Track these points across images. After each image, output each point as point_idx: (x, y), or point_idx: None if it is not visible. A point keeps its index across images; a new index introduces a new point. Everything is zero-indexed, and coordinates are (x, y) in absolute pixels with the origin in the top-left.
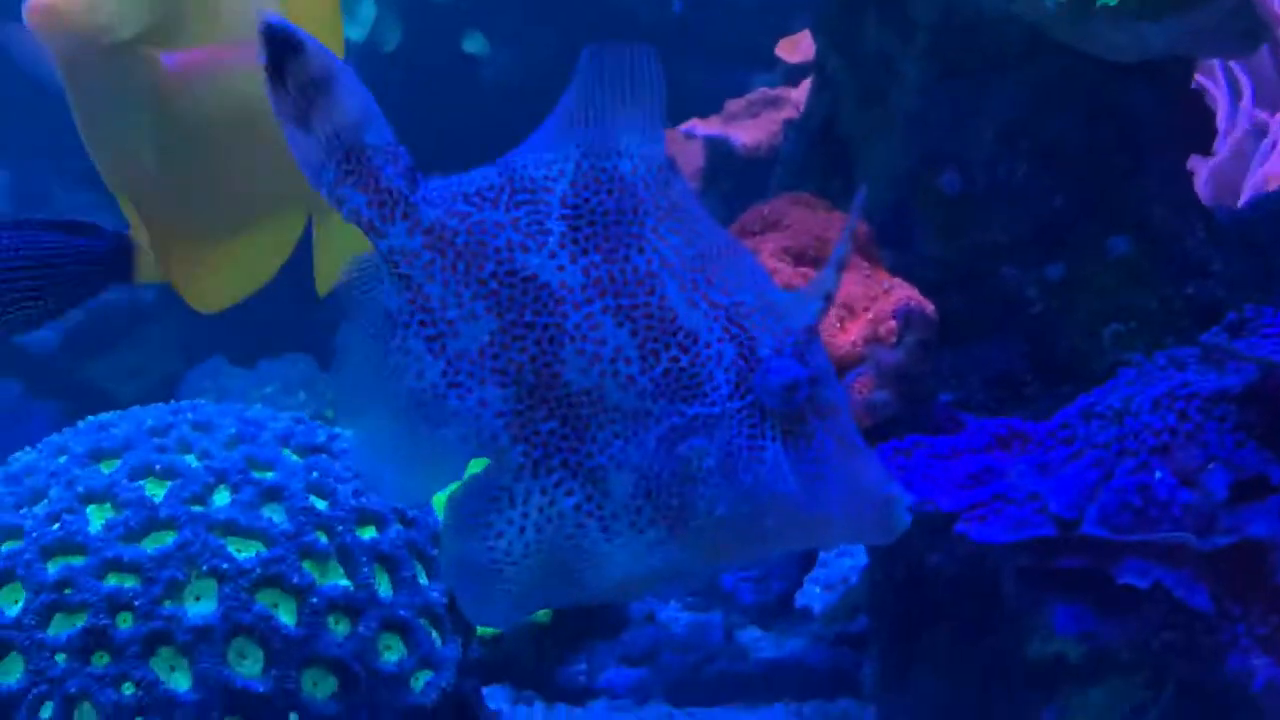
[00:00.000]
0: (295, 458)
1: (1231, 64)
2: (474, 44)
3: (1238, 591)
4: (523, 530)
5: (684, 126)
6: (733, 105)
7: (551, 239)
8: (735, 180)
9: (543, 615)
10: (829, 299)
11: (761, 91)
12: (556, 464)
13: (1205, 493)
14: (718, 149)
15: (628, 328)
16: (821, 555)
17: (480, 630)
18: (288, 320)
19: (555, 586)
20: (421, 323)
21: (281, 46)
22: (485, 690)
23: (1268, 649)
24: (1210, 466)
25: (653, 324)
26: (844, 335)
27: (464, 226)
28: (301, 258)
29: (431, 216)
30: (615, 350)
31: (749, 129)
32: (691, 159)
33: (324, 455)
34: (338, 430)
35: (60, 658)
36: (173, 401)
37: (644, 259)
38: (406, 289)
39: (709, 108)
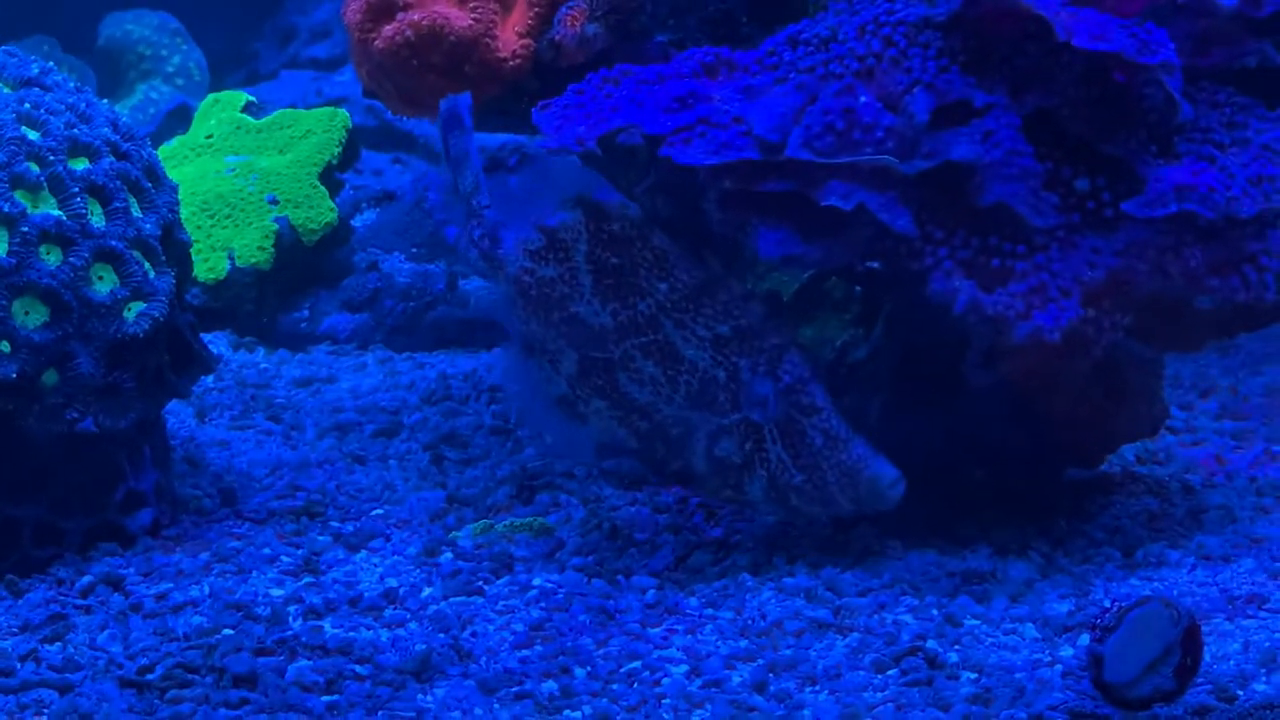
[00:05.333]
0: (6, 89)
1: None
2: None
3: (940, 216)
4: None
5: None
6: None
7: (585, 289)
8: None
9: (264, 261)
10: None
11: None
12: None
13: (908, 116)
14: None
15: (652, 359)
16: None
17: (201, 275)
18: (30, 3)
19: None
20: (536, 350)
21: (451, 120)
22: (208, 337)
23: (969, 272)
24: (914, 91)
25: (665, 356)
26: None
27: (532, 280)
28: None
29: (512, 272)
30: (650, 377)
31: None
32: None
33: (36, 88)
34: (50, 65)
35: None
36: None
37: (645, 304)
38: (523, 323)
39: None
